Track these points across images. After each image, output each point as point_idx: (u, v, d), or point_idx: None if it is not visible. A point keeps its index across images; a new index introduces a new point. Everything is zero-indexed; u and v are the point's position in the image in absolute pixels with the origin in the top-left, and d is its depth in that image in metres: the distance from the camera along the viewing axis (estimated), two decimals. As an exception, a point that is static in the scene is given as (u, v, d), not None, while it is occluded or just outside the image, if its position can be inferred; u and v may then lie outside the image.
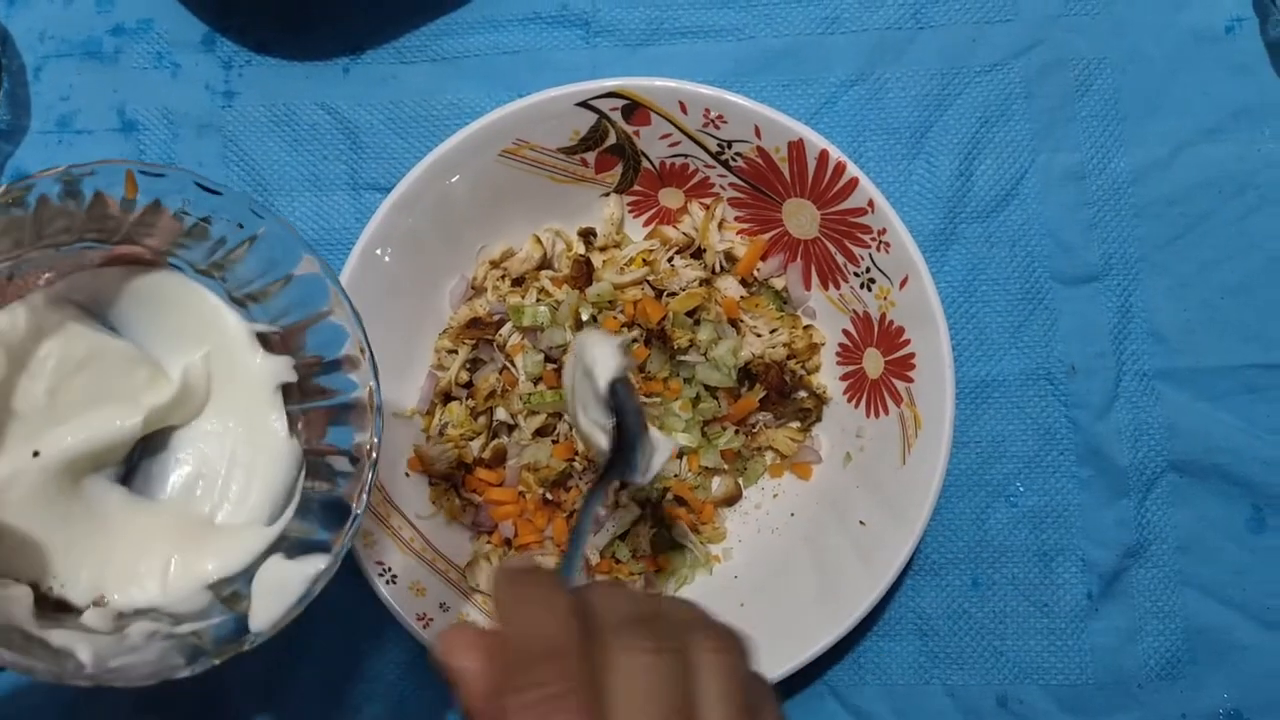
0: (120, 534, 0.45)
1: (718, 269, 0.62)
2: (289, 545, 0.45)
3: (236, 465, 0.46)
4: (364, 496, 0.43)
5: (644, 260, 0.62)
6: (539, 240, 0.62)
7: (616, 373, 0.46)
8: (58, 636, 0.41)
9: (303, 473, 0.47)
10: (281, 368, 0.46)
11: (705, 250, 0.62)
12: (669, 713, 0.31)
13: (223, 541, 0.45)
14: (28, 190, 0.39)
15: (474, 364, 0.62)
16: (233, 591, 0.44)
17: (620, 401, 0.46)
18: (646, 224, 0.64)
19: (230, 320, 0.46)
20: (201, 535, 0.45)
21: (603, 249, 0.63)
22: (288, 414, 0.46)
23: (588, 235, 0.63)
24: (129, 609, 0.44)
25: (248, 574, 0.44)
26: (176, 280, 0.46)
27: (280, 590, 0.43)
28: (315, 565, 0.43)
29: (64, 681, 0.39)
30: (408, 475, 0.61)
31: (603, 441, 0.47)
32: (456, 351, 0.62)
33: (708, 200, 0.61)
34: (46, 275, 0.44)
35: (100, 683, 0.39)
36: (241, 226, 0.43)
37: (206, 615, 0.44)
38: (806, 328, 0.62)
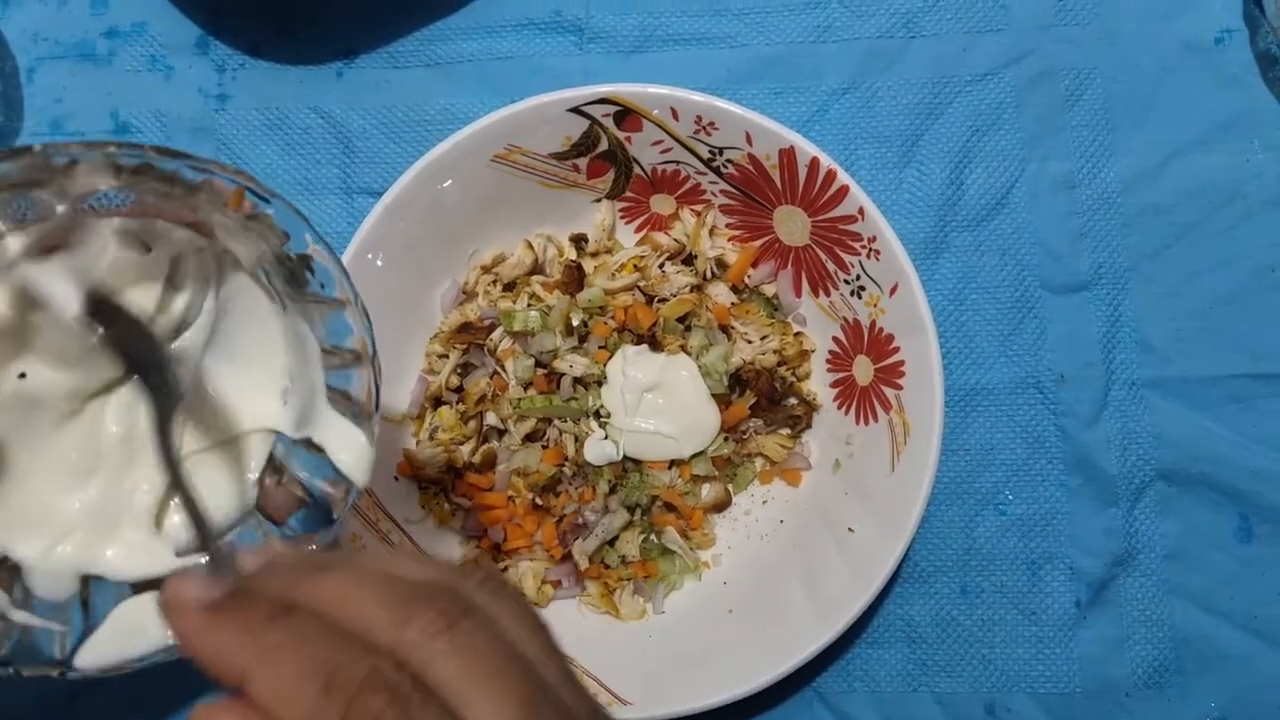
0: (63, 470, 0.42)
1: (709, 275, 0.62)
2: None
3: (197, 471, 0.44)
4: None
5: (635, 266, 0.62)
6: (530, 245, 0.62)
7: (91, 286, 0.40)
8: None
9: (238, 529, 0.44)
10: (292, 425, 0.43)
11: (696, 256, 0.62)
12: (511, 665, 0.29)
13: (130, 539, 0.42)
14: (138, 153, 0.37)
15: (465, 368, 0.62)
16: (95, 599, 0.42)
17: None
18: (638, 230, 0.64)
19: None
20: (118, 520, 0.43)
21: (594, 254, 0.63)
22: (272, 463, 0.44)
23: (579, 241, 0.63)
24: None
25: (120, 593, 0.41)
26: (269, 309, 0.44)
27: (130, 635, 0.40)
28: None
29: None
30: (397, 479, 0.61)
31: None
32: (447, 356, 0.62)
33: (699, 207, 0.62)
34: (121, 210, 0.41)
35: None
36: (323, 287, 0.42)
37: (52, 611, 0.41)
38: (797, 334, 0.63)
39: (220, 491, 0.44)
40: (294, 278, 0.42)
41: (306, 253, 0.41)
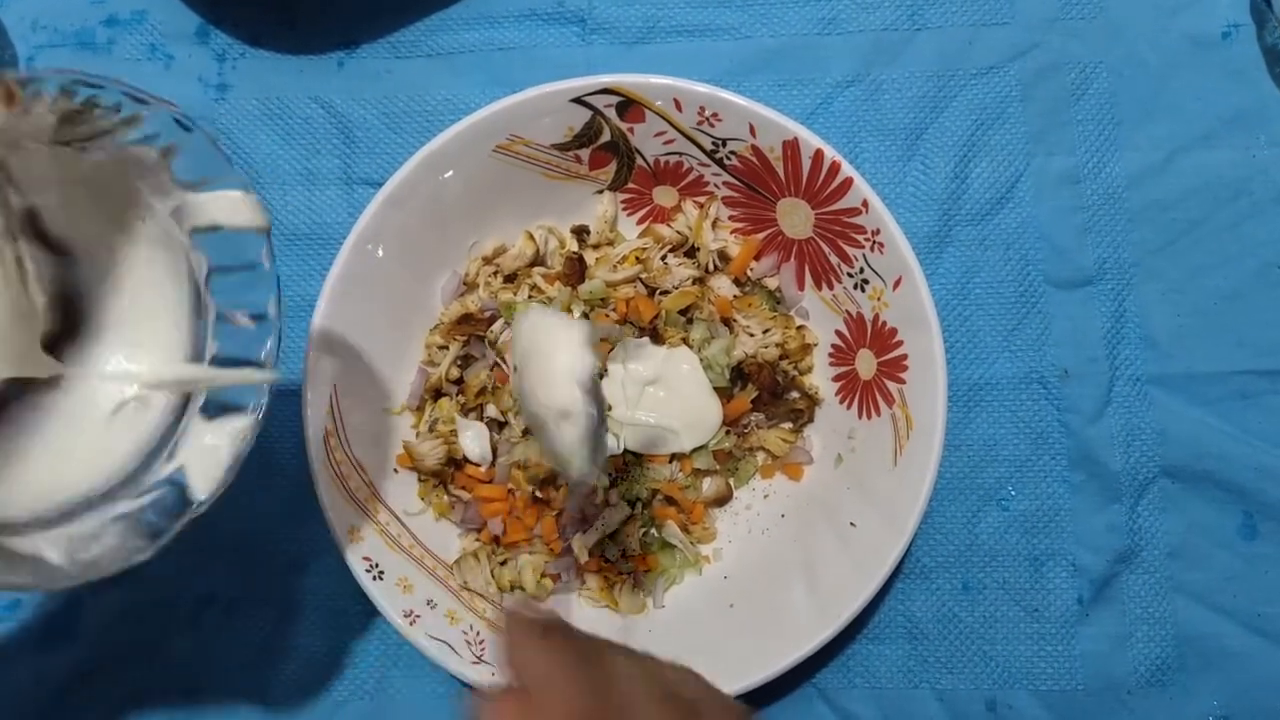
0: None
1: (711, 268, 0.62)
2: (205, 406, 0.45)
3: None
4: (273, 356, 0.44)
5: (637, 258, 0.61)
6: (531, 237, 0.62)
7: (594, 368, 0.45)
8: (21, 544, 0.42)
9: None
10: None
11: (699, 249, 0.61)
12: None
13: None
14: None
15: (465, 360, 0.62)
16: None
17: (594, 398, 0.45)
18: (640, 222, 0.64)
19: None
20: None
21: (595, 246, 0.62)
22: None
23: (581, 233, 0.63)
24: (69, 503, 0.44)
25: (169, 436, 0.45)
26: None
27: (209, 451, 0.44)
28: (237, 424, 0.44)
29: (48, 588, 0.40)
30: (396, 471, 0.61)
31: (566, 433, 0.46)
32: (447, 347, 0.62)
33: (702, 199, 0.61)
34: None
35: (81, 580, 0.41)
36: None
37: (137, 486, 0.45)
38: (799, 328, 0.62)
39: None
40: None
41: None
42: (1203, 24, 0.64)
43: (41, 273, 0.45)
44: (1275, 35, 0.63)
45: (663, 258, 0.61)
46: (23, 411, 0.46)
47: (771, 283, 0.62)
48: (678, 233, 0.62)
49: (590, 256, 0.62)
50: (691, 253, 0.62)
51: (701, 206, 0.61)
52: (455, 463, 0.61)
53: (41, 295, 0.45)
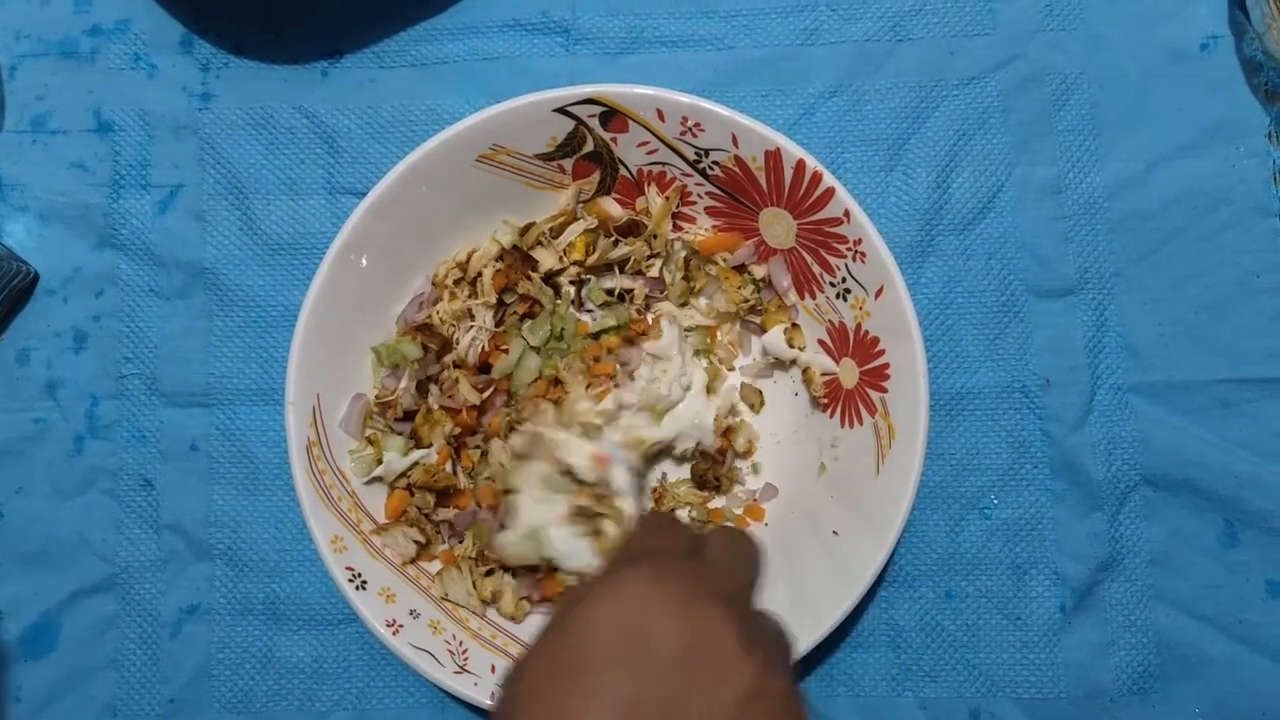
0: None
1: (666, 252, 0.61)
2: None
3: None
4: None
5: (585, 245, 0.60)
6: (496, 240, 0.61)
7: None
8: None
9: None
10: None
11: (657, 236, 0.61)
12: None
13: None
14: None
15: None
16: None
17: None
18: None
19: None
20: None
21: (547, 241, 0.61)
22: None
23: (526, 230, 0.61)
24: None
25: None
26: None
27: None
28: None
29: None
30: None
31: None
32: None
33: (668, 193, 0.60)
34: None
35: None
36: None
37: None
38: (794, 325, 0.61)
39: None
40: None
41: None
42: (1182, 36, 0.64)
43: None
44: (1253, 47, 0.63)
45: (615, 241, 0.61)
46: None
47: (759, 271, 0.61)
48: (626, 212, 0.61)
49: (544, 255, 0.61)
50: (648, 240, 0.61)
51: (667, 198, 0.60)
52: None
53: None
